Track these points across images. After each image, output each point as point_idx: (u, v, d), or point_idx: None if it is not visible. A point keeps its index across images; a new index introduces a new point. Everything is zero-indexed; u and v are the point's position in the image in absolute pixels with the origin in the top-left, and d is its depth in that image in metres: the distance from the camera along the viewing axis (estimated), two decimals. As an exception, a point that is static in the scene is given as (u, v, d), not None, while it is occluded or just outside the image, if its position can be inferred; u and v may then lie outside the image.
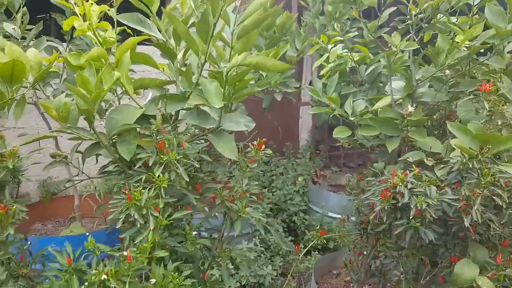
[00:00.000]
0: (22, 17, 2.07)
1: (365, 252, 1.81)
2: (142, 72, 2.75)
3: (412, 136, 1.57)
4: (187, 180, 1.18)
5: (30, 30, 2.11)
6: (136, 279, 1.10)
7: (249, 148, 1.46)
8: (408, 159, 1.56)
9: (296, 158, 3.89)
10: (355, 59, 1.91)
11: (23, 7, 2.02)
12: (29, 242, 1.29)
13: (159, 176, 1.15)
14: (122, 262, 1.08)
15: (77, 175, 1.63)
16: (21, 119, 1.39)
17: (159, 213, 1.14)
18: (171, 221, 1.16)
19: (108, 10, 1.31)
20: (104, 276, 1.01)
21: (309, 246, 1.97)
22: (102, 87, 1.17)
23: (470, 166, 1.25)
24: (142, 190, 1.13)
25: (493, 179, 1.19)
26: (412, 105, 1.59)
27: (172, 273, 1.09)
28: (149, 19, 1.41)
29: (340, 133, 1.75)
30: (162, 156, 1.18)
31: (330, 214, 3.12)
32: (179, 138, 1.24)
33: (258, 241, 2.83)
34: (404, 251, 1.62)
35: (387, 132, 1.65)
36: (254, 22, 1.19)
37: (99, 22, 1.33)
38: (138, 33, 1.37)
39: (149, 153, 1.21)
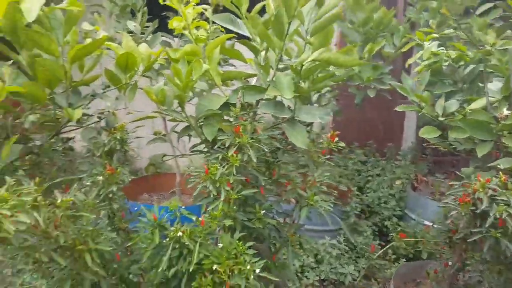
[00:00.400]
0: (142, 16, 2.48)
1: (450, 263, 1.70)
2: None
3: (506, 141, 1.44)
4: (255, 161, 1.31)
5: (148, 27, 2.51)
6: (208, 242, 1.27)
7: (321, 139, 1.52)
8: (498, 166, 1.44)
9: (396, 160, 3.72)
10: (452, 57, 1.80)
11: (144, 7, 2.42)
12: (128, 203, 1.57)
13: (232, 156, 1.30)
14: (197, 226, 1.27)
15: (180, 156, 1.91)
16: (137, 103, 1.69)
17: (231, 188, 1.29)
18: (240, 196, 1.31)
19: (205, 11, 1.50)
20: (180, 233, 1.21)
21: (387, 247, 1.92)
22: (193, 78, 1.37)
23: None
24: (218, 167, 1.30)
25: None
26: (508, 108, 1.46)
27: (237, 241, 1.23)
28: (239, 19, 1.58)
29: (427, 133, 1.69)
30: (237, 139, 1.33)
31: (426, 222, 2.93)
32: (254, 124, 1.37)
33: (342, 239, 2.83)
34: (487, 265, 1.50)
35: (479, 136, 1.54)
36: (328, 19, 1.26)
37: (198, 21, 1.54)
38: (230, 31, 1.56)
39: (227, 135, 1.37)
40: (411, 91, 1.82)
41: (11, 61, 1.51)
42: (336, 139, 1.49)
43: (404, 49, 2.25)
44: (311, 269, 2.67)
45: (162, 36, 2.39)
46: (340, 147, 1.51)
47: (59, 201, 1.18)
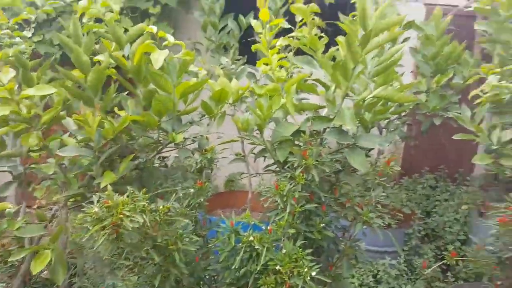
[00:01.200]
0: (233, 52, 2.89)
1: (499, 283, 1.79)
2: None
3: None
4: (317, 180, 1.57)
5: (239, 59, 2.92)
6: (273, 247, 1.55)
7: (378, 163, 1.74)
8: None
9: (464, 185, 3.71)
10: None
11: (236, 44, 2.84)
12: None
13: (298, 175, 1.58)
14: (266, 233, 1.56)
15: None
16: (221, 128, 2.05)
17: (296, 202, 1.57)
18: (303, 210, 1.57)
19: (286, 56, 1.83)
20: (251, 238, 1.51)
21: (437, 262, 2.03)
22: (272, 110, 1.69)
23: None
24: (286, 184, 1.59)
25: None
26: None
27: (298, 248, 1.50)
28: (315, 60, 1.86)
29: (480, 160, 1.82)
30: (303, 161, 1.61)
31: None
32: (319, 149, 1.64)
33: (402, 260, 2.93)
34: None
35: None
36: (388, 65, 1.51)
37: (280, 60, 1.87)
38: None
39: (296, 158, 1.66)
40: (469, 121, 1.96)
41: (127, 92, 1.96)
42: (392, 163, 1.70)
43: (470, 81, 2.36)
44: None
45: (249, 68, 2.76)
46: (400, 171, 1.71)
47: (160, 207, 1.50)
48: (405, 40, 2.81)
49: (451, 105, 2.50)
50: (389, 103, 1.72)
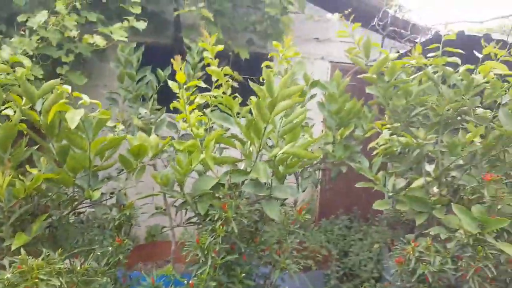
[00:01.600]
0: (152, 102, 2.93)
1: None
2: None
3: (435, 213, 1.81)
4: (237, 232, 1.64)
5: (158, 109, 2.94)
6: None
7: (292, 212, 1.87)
8: (430, 233, 1.80)
9: (374, 225, 4.04)
10: (403, 143, 2.22)
11: (154, 94, 2.88)
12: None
13: (219, 227, 1.64)
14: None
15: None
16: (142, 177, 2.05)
17: (216, 255, 1.62)
18: (225, 262, 1.62)
19: (203, 113, 1.93)
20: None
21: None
22: (190, 166, 1.76)
23: (471, 242, 1.47)
24: (207, 237, 1.63)
25: (485, 255, 1.40)
26: (438, 187, 1.85)
27: (220, 299, 1.54)
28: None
29: (379, 206, 2.05)
30: (223, 213, 1.68)
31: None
32: (238, 201, 1.73)
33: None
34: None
35: (416, 208, 1.91)
36: (295, 124, 1.69)
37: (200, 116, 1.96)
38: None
39: (216, 210, 1.72)
40: (367, 170, 2.22)
41: (38, 145, 1.89)
42: (304, 211, 1.84)
43: (369, 134, 2.68)
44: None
45: (169, 118, 2.80)
46: (307, 218, 1.86)
47: (78, 268, 1.46)
48: (313, 96, 3.12)
49: (354, 154, 2.80)
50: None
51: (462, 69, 1.98)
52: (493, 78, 1.95)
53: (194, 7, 3.64)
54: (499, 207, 1.62)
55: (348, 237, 4.09)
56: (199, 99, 2.05)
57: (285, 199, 2.03)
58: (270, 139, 1.82)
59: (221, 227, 1.66)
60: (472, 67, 2.14)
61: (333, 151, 2.79)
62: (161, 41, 4.30)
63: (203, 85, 2.10)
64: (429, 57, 2.24)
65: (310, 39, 4.71)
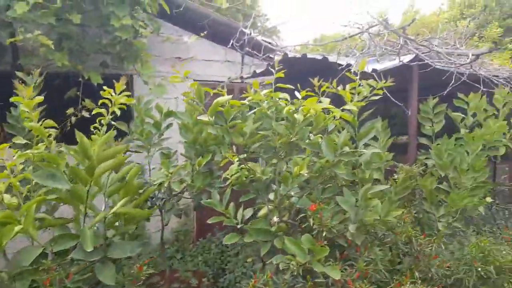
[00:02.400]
0: None
1: None
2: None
3: (275, 243, 1.92)
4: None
5: None
6: None
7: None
8: (273, 262, 1.90)
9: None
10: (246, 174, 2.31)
11: None
12: None
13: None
14: None
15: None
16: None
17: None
18: None
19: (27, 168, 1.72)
20: None
21: None
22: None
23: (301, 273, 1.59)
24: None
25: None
26: (278, 214, 1.96)
27: None
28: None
29: (229, 240, 2.10)
30: (48, 289, 1.52)
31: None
32: (65, 272, 1.58)
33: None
34: None
35: (260, 238, 2.00)
36: (124, 184, 1.61)
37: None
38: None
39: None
40: (218, 204, 2.25)
41: None
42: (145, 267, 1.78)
43: (226, 160, 2.72)
44: None
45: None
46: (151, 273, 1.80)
47: None
48: (169, 126, 3.06)
49: (215, 180, 2.83)
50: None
51: (286, 109, 2.12)
52: (318, 111, 2.14)
53: (30, 34, 3.27)
54: (324, 234, 1.78)
55: (225, 253, 4.14)
56: (20, 156, 1.83)
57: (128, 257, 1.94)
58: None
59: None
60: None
61: (192, 181, 2.78)
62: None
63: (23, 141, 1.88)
64: (265, 93, 2.37)
65: (171, 58, 4.64)
